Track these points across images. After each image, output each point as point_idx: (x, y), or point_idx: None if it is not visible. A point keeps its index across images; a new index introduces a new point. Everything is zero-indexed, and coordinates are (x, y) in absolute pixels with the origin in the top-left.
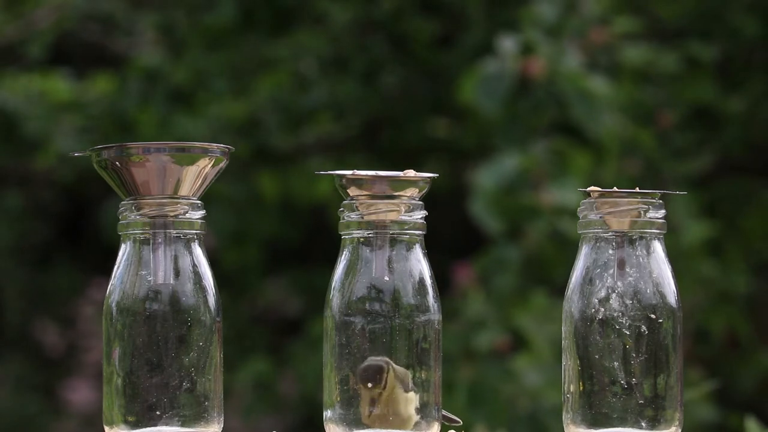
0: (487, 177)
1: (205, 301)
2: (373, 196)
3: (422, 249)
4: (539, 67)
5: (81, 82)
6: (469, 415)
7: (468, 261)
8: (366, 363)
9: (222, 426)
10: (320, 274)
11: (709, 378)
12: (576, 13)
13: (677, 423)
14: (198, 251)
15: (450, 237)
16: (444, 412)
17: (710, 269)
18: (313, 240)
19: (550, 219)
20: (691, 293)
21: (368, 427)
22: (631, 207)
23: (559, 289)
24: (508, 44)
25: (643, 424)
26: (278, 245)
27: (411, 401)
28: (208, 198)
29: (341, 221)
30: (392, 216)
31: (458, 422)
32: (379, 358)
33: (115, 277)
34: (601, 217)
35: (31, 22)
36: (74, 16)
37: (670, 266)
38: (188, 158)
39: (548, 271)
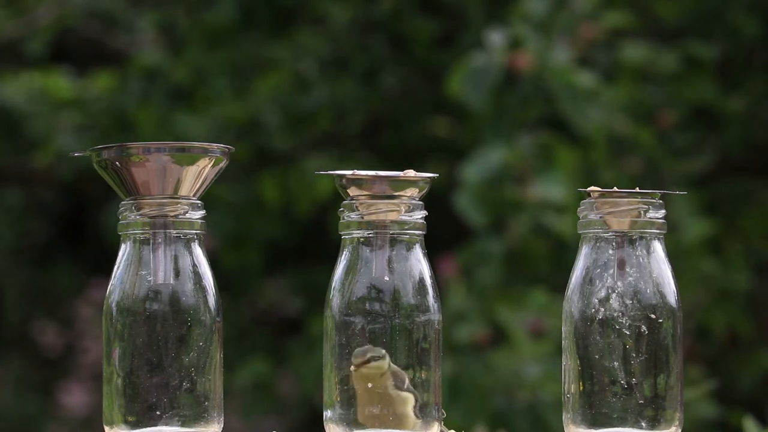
0: (472, 171)
1: (205, 301)
2: (373, 196)
3: (422, 249)
4: (527, 62)
5: (82, 79)
6: (448, 408)
7: (452, 254)
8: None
9: (222, 426)
10: (320, 274)
11: (710, 376)
12: (566, 8)
13: (677, 423)
14: (198, 251)
15: (450, 236)
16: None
17: (710, 268)
18: (313, 240)
19: (534, 213)
20: (692, 292)
21: (367, 426)
22: (631, 207)
23: (555, 288)
24: (496, 38)
25: (643, 424)
26: (278, 246)
27: (408, 401)
28: (209, 200)
29: (341, 221)
30: (392, 216)
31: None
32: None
33: (115, 277)
34: (601, 217)
35: (31, 19)
36: (75, 13)
37: (670, 266)
38: (188, 158)
39: (531, 265)
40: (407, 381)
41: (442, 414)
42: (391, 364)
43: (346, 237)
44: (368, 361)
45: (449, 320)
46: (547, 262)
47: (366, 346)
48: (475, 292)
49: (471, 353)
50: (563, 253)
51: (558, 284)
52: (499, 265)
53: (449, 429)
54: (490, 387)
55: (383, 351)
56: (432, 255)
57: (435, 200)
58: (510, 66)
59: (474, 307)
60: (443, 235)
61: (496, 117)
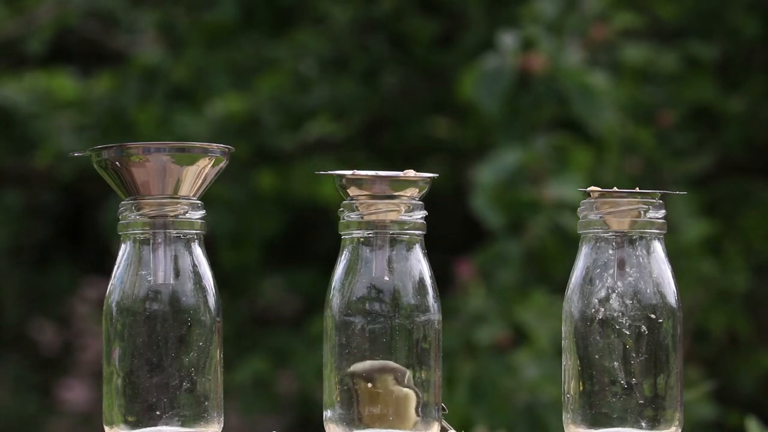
0: (487, 172)
1: (205, 301)
2: (373, 196)
3: (422, 249)
4: (539, 63)
5: (85, 80)
6: (469, 410)
7: (469, 257)
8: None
9: (222, 426)
10: (320, 273)
11: (709, 377)
12: (577, 9)
13: (677, 423)
14: (198, 251)
15: (450, 235)
16: (444, 423)
17: (710, 268)
18: (312, 239)
19: (550, 214)
20: (691, 292)
21: (368, 426)
22: (631, 207)
23: (560, 287)
24: (508, 40)
25: (643, 424)
26: (278, 245)
27: (409, 398)
28: (208, 199)
29: (341, 221)
30: (392, 216)
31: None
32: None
33: (115, 277)
34: (601, 217)
35: (31, 18)
36: (75, 12)
37: (670, 266)
38: (188, 158)
39: (549, 266)
40: (408, 376)
41: (444, 410)
42: (390, 362)
43: (346, 237)
44: (371, 375)
45: (469, 322)
46: (565, 262)
47: (366, 362)
48: (495, 293)
49: (492, 355)
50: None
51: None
52: (518, 266)
53: (450, 426)
54: (512, 389)
55: (385, 364)
56: (445, 255)
57: (444, 200)
58: (523, 68)
59: (493, 309)
60: (454, 236)
61: (509, 119)
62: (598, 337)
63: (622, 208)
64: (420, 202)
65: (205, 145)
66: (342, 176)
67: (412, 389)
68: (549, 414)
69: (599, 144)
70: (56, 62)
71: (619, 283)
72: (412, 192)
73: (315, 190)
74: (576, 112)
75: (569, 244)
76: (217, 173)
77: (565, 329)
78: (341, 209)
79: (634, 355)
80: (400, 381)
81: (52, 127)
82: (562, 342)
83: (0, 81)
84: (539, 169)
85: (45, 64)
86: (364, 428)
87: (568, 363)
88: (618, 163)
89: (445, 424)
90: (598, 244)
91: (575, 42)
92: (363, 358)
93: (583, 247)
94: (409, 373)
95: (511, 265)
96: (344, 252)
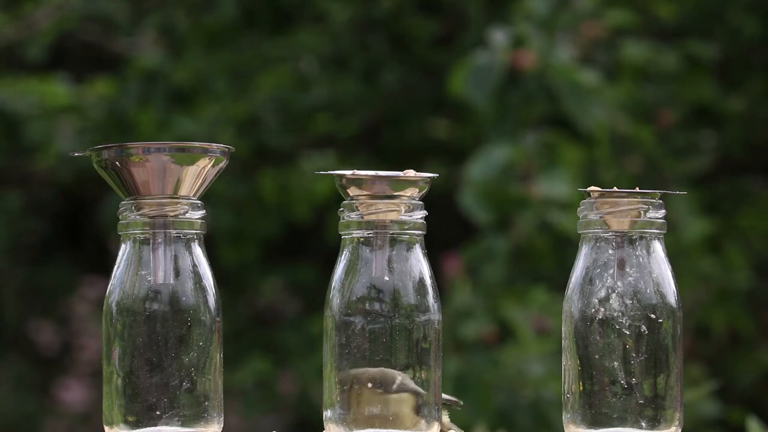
0: (477, 169)
1: (205, 301)
2: (373, 196)
3: (422, 249)
4: (530, 60)
5: (80, 85)
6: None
7: (456, 253)
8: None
9: (222, 426)
10: (320, 273)
11: (710, 375)
12: (569, 7)
13: (677, 423)
14: (198, 251)
15: (446, 233)
16: (444, 396)
17: (710, 266)
18: (312, 239)
19: (538, 211)
20: (692, 290)
21: (367, 426)
22: (631, 207)
23: (560, 286)
24: (499, 37)
25: (643, 424)
26: (277, 243)
27: (402, 401)
28: (208, 196)
29: (341, 221)
30: (392, 216)
31: (458, 403)
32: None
33: (115, 277)
34: (601, 217)
35: (30, 23)
36: (74, 16)
37: (670, 266)
38: (188, 158)
39: (536, 263)
40: (398, 382)
41: (459, 404)
42: (375, 375)
43: (346, 237)
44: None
45: (455, 317)
46: (552, 259)
47: (364, 370)
48: (481, 289)
49: (477, 350)
50: (568, 250)
51: (563, 281)
52: (505, 262)
53: (455, 424)
54: (496, 384)
55: (379, 376)
56: (436, 253)
57: (438, 199)
58: (513, 64)
59: (480, 305)
60: (447, 235)
61: (499, 115)
62: (598, 337)
63: (622, 208)
64: (420, 202)
65: (205, 145)
66: (342, 176)
67: (408, 391)
68: (552, 411)
69: (590, 141)
70: (56, 66)
71: (619, 283)
72: (412, 192)
73: (315, 189)
74: (566, 109)
75: (557, 241)
76: (217, 173)
77: (565, 329)
78: (341, 209)
79: (634, 355)
80: (387, 389)
81: (52, 131)
82: (562, 342)
83: (0, 84)
84: (528, 165)
85: (45, 68)
86: (363, 428)
87: (569, 363)
88: (609, 161)
89: (454, 426)
90: (598, 244)
91: (567, 39)
92: (363, 358)
93: (583, 247)
94: (400, 378)
95: (498, 261)
96: (344, 252)
